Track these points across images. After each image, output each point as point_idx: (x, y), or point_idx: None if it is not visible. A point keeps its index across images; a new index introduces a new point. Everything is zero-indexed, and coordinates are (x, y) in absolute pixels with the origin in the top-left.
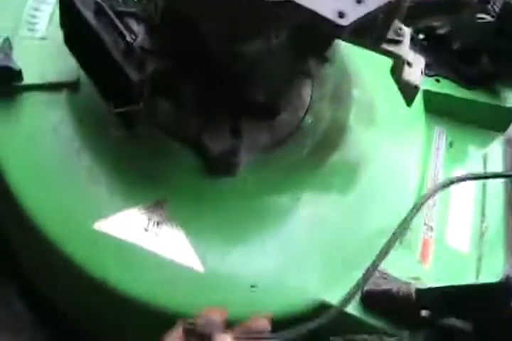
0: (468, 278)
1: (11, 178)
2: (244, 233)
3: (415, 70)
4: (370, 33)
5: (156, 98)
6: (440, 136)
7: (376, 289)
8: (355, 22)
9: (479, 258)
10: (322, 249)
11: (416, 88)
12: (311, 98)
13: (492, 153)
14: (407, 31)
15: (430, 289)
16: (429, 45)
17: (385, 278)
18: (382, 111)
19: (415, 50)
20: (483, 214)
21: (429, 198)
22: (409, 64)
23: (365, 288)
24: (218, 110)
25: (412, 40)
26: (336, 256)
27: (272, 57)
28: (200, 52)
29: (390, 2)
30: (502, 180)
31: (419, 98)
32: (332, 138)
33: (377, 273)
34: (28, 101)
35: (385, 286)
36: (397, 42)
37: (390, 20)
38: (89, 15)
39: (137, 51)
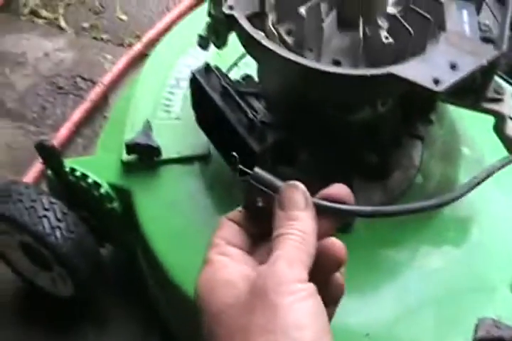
0: None
1: (154, 241)
2: (359, 284)
3: None
4: (468, 93)
5: (277, 165)
6: None
7: (488, 337)
8: (450, 87)
9: None
10: (435, 299)
11: None
12: (422, 157)
13: None
14: (507, 89)
15: None
16: None
17: (498, 327)
18: None
19: None
20: None
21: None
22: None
23: (478, 336)
24: (333, 172)
25: None
26: (448, 306)
27: (382, 122)
28: (315, 122)
29: (482, 66)
30: None
31: None
32: (441, 191)
33: (490, 321)
34: (167, 173)
35: (497, 334)
36: (498, 100)
37: (487, 81)
38: (216, 96)
39: (258, 125)
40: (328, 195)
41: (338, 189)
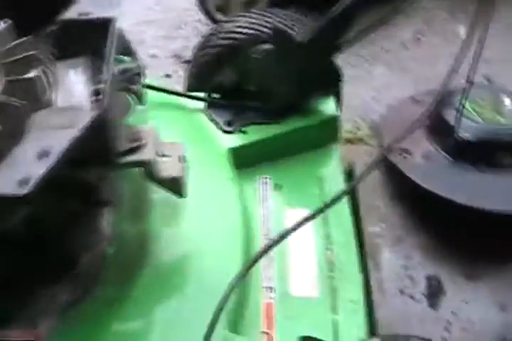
0: (325, 324)
1: None
2: None
3: (171, 162)
4: (90, 164)
5: None
6: (263, 184)
7: None
8: (40, 183)
9: (333, 294)
10: None
11: (176, 179)
12: (110, 224)
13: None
14: (148, 130)
15: None
16: (227, 101)
17: None
18: (188, 201)
19: (215, 112)
20: (328, 241)
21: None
22: (161, 157)
23: None
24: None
25: (212, 102)
26: None
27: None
28: None
29: (77, 137)
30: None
31: (225, 164)
32: (139, 253)
33: None
34: None
35: None
36: (138, 147)
37: (106, 142)
38: None
39: None
40: None
41: None
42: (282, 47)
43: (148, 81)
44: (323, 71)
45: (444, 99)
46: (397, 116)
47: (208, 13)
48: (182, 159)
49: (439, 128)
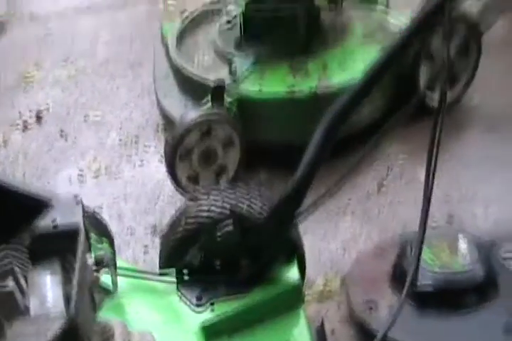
0: None
1: None
2: None
3: None
4: None
5: None
6: None
7: None
8: None
9: None
10: None
11: None
12: None
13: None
14: (116, 323)
15: None
16: (196, 278)
17: None
18: None
19: (186, 288)
20: None
21: None
22: None
23: None
24: None
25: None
26: None
27: None
28: None
29: None
30: None
31: None
32: None
33: None
34: None
35: None
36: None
37: None
38: None
39: None
40: None
41: None
42: (242, 227)
43: (121, 263)
44: (282, 242)
45: (404, 249)
46: (361, 270)
47: (178, 184)
48: None
49: (400, 278)
